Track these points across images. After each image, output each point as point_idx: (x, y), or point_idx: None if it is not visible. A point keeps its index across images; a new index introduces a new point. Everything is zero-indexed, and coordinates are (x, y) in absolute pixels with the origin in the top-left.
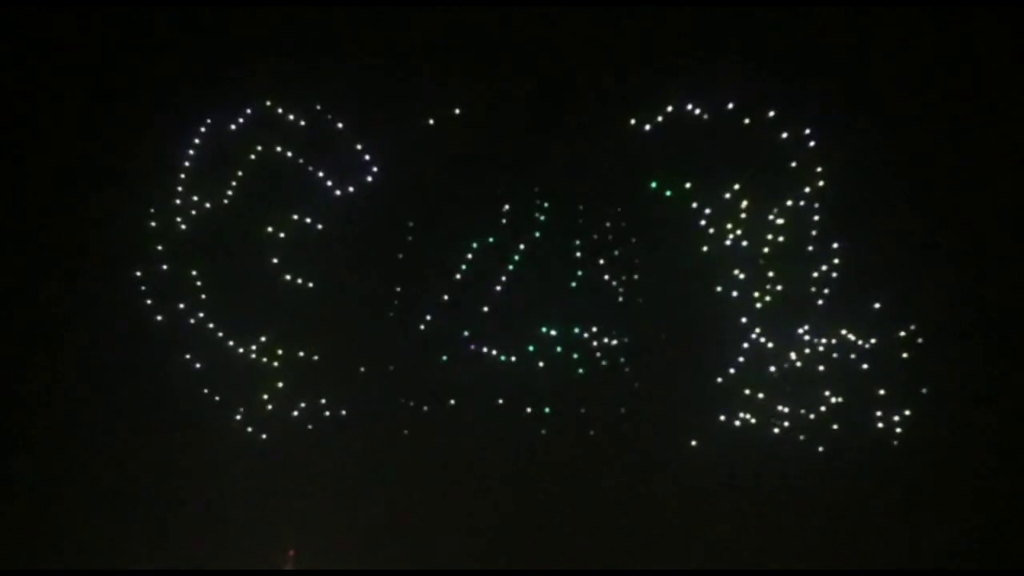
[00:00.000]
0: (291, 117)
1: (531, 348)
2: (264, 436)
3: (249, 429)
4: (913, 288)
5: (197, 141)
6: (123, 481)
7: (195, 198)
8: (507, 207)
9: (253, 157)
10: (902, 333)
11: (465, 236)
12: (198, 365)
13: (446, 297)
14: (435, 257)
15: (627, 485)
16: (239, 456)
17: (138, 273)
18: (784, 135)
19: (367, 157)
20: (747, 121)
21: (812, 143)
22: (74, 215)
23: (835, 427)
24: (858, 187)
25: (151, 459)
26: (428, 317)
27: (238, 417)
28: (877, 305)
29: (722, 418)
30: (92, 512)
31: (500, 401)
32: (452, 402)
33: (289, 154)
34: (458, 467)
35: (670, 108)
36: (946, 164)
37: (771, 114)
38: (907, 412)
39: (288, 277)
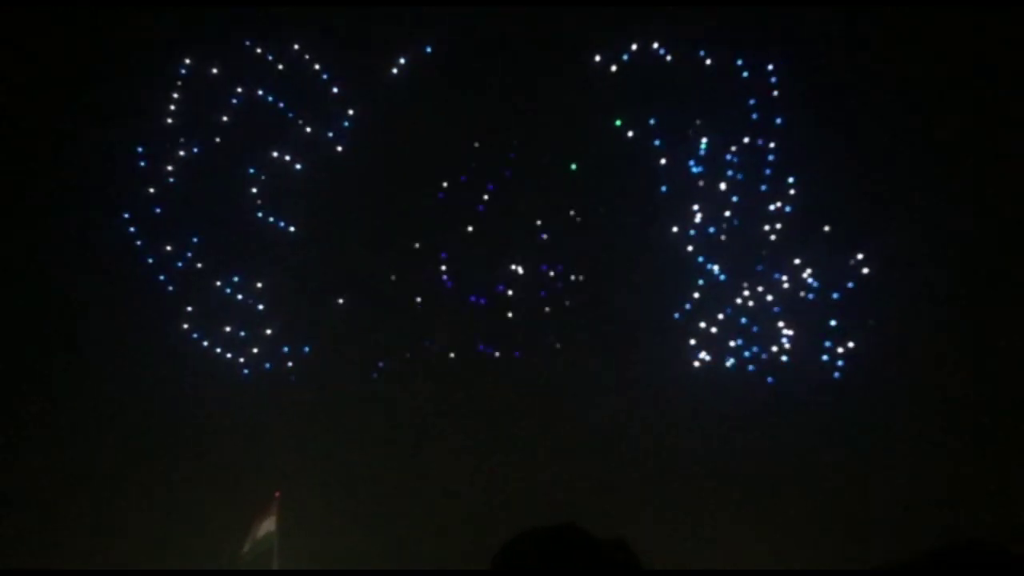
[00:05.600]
0: (269, 58)
1: (501, 286)
2: (247, 372)
3: (235, 368)
4: (864, 224)
5: (180, 84)
6: (111, 419)
7: (182, 140)
8: (477, 144)
9: (235, 101)
10: (851, 263)
11: (437, 175)
12: (189, 308)
13: (420, 238)
14: (408, 197)
15: (587, 418)
16: (226, 394)
17: (127, 215)
18: (745, 74)
19: (343, 97)
20: (709, 61)
21: (773, 79)
22: (65, 161)
23: (784, 359)
24: (813, 125)
25: (138, 397)
26: (403, 257)
27: (226, 356)
28: (828, 240)
29: (678, 352)
30: (82, 447)
31: (473, 340)
32: (427, 343)
33: (269, 97)
34: (436, 407)
35: (634, 47)
36: (899, 101)
37: (733, 54)
38: (851, 344)
39: (271, 219)
